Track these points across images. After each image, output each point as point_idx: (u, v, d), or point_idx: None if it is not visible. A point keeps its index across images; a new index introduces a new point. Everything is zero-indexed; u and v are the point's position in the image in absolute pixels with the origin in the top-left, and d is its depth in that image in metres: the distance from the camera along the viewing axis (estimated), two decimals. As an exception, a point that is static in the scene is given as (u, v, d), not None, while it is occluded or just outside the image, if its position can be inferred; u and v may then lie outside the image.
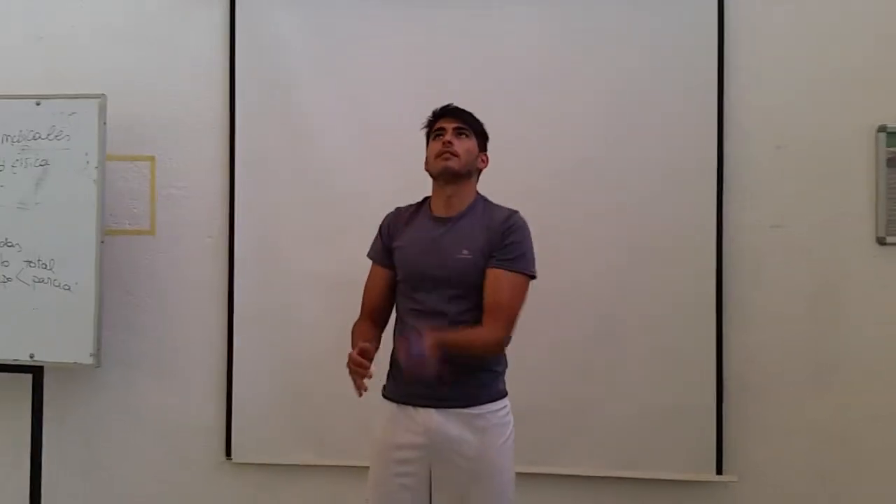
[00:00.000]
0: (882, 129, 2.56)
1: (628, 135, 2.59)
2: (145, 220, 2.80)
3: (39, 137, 2.58)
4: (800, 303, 2.60)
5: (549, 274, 2.52)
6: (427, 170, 2.01)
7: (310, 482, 2.73)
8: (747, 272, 2.60)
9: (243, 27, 2.72)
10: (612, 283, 2.59)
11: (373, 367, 1.80)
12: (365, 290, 2.07)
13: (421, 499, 1.94)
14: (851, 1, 2.59)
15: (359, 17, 2.68)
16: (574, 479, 2.62)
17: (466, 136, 1.97)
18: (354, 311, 2.06)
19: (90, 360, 2.56)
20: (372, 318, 2.04)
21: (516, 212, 1.97)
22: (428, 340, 1.72)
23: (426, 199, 2.06)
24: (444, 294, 1.91)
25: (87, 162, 2.56)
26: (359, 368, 1.78)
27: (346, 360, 1.81)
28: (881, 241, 2.57)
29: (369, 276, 2.07)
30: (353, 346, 1.90)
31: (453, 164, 1.93)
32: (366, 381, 1.79)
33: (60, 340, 2.57)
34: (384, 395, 2.00)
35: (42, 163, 2.58)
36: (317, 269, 2.65)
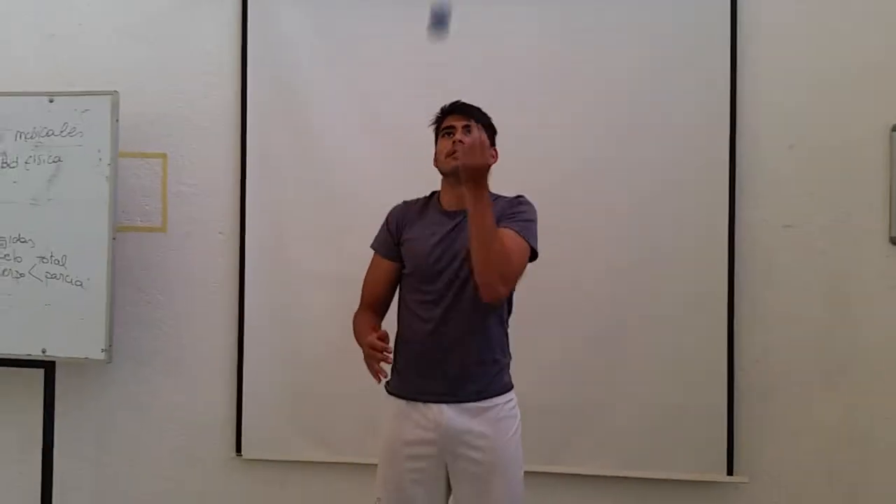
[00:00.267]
0: (896, 128, 2.55)
1: (641, 134, 2.58)
2: (157, 216, 2.81)
3: (52, 134, 2.59)
4: (812, 303, 2.58)
5: (562, 274, 2.55)
6: (437, 166, 2.02)
7: (319, 479, 2.74)
8: (759, 272, 2.58)
9: (254, 26, 2.73)
10: (623, 282, 2.58)
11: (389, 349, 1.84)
12: (366, 282, 2.08)
13: (433, 493, 1.95)
14: (864, 0, 2.57)
15: (369, 16, 2.67)
16: (584, 478, 2.61)
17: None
18: (365, 309, 2.06)
19: (101, 356, 2.57)
20: (373, 309, 2.05)
21: (523, 195, 2.00)
22: (476, 133, 1.76)
23: (434, 193, 2.07)
24: (453, 286, 1.92)
25: (100, 159, 2.57)
26: (378, 353, 1.81)
27: (353, 357, 1.81)
28: (894, 241, 2.55)
29: (371, 267, 2.08)
30: (359, 336, 1.91)
31: None
32: (383, 365, 1.82)
33: (72, 336, 2.58)
34: (389, 391, 2.00)
35: (55, 159, 2.59)
36: (327, 266, 2.66)
